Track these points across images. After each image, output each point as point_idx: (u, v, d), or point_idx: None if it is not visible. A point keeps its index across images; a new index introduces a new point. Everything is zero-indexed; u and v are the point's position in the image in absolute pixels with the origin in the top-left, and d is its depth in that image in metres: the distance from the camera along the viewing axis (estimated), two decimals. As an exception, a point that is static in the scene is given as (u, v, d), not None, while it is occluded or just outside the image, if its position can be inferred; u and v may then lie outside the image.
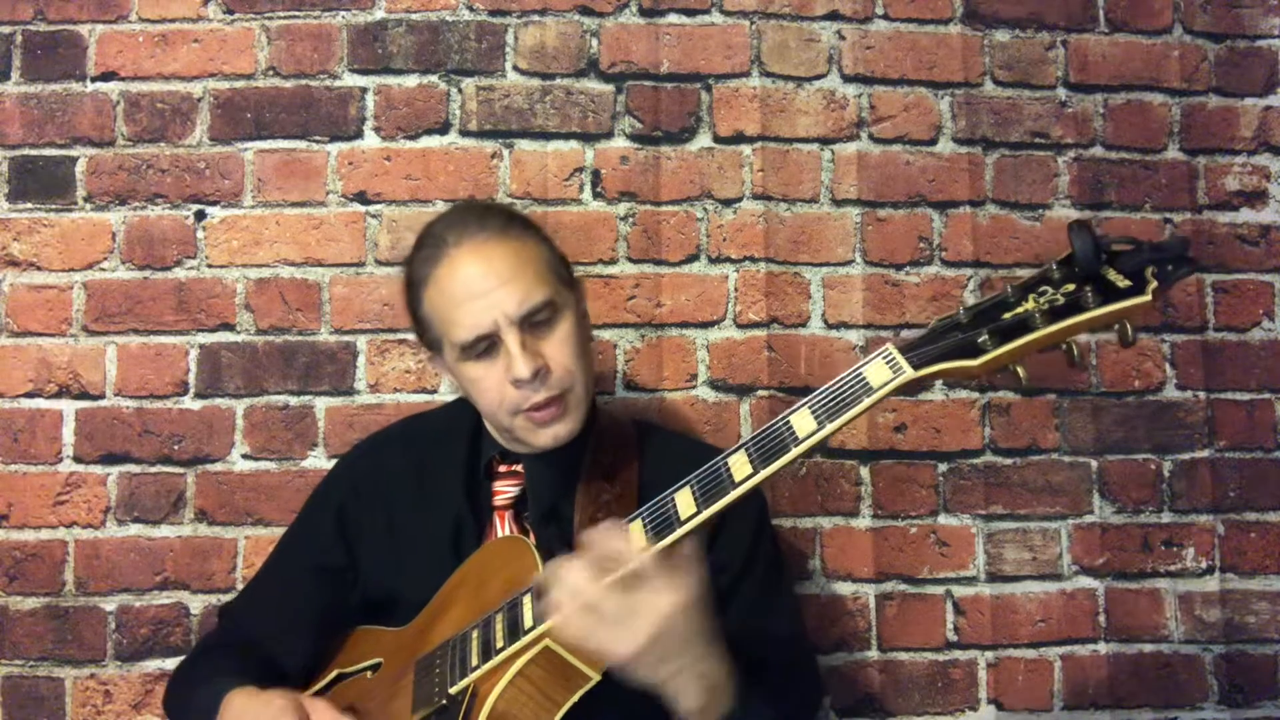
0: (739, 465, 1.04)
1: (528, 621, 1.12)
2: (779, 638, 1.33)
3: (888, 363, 0.99)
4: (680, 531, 1.04)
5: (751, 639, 1.27)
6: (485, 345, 1.25)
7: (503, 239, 1.27)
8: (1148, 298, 0.89)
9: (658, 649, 1.02)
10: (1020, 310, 0.94)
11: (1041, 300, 0.94)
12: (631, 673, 1.05)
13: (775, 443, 1.02)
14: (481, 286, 1.24)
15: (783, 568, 1.43)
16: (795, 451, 1.00)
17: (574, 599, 1.02)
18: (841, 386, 1.01)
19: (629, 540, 1.04)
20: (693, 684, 1.07)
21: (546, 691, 1.12)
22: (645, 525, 1.08)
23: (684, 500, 1.06)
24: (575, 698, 1.12)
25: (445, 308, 1.27)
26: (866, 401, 0.99)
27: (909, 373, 0.97)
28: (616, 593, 1.01)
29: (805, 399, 1.03)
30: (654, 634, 1.01)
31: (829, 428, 1.00)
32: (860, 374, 1.00)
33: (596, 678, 1.12)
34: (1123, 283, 0.91)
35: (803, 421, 1.02)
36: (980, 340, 0.95)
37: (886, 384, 0.98)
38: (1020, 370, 0.96)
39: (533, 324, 1.25)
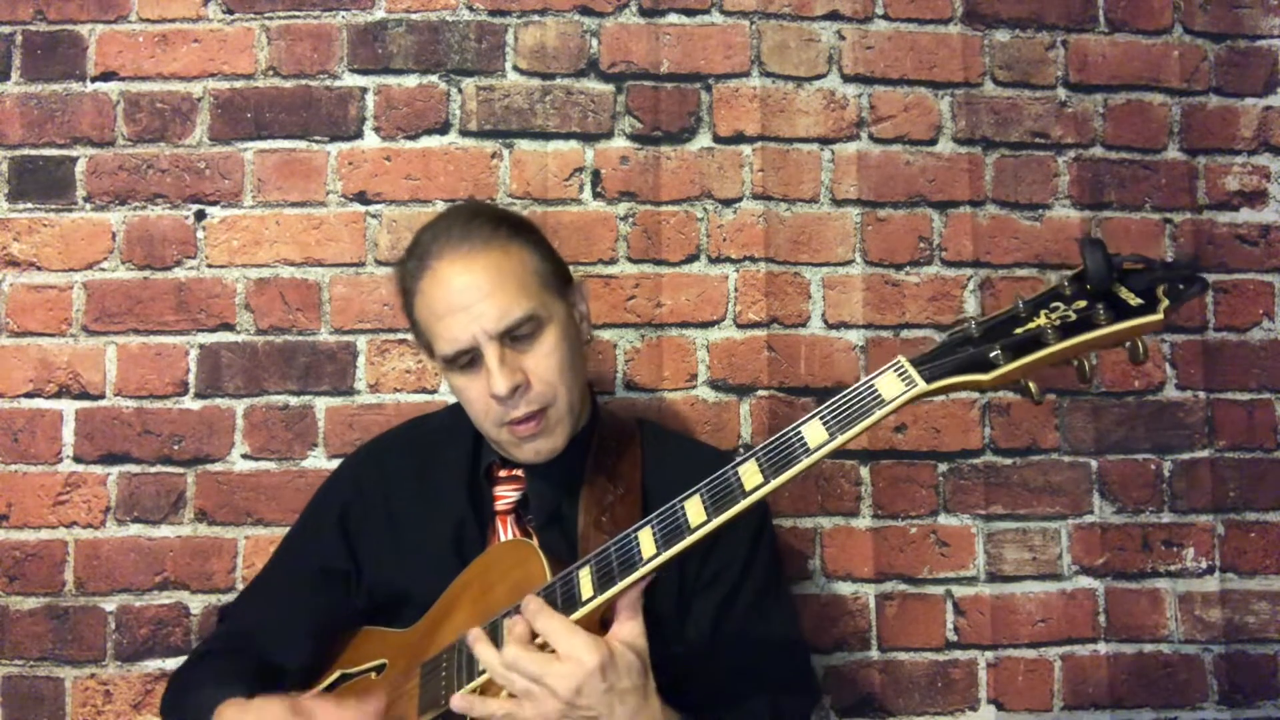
0: (750, 474, 1.04)
1: None
2: (775, 643, 1.33)
3: (899, 375, 0.99)
4: (689, 540, 1.05)
5: (747, 643, 1.27)
6: (467, 358, 1.24)
7: (485, 250, 1.25)
8: (1159, 316, 0.90)
9: (576, 713, 1.04)
10: (1032, 325, 0.95)
11: (1053, 316, 0.94)
12: None
13: (786, 453, 1.02)
14: (461, 301, 1.22)
15: (781, 573, 1.43)
16: (806, 462, 1.01)
17: (496, 655, 1.06)
18: (853, 397, 1.01)
19: (544, 612, 1.07)
20: None
21: None
22: (655, 533, 1.07)
23: (694, 508, 1.06)
24: None
25: (428, 320, 1.27)
26: (878, 414, 0.99)
27: (921, 386, 0.98)
28: (530, 665, 1.04)
29: (817, 409, 1.03)
30: (566, 702, 1.03)
31: (840, 439, 1.00)
32: (872, 385, 1.01)
33: None
34: (1134, 301, 0.92)
35: (814, 432, 1.02)
36: (992, 355, 0.95)
37: (898, 397, 0.99)
38: (1032, 385, 0.96)
39: (514, 338, 1.24)
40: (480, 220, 1.29)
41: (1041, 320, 0.95)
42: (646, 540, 1.08)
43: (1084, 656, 1.78)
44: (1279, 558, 1.82)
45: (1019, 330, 0.96)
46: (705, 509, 1.05)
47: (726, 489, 1.04)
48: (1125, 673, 1.78)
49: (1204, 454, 1.83)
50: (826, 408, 1.02)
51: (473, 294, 1.22)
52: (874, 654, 1.76)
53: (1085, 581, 1.79)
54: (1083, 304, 0.94)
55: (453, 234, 1.27)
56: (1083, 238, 0.97)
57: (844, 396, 1.02)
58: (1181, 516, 1.82)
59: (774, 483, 1.02)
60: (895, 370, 1.00)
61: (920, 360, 0.99)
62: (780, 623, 1.36)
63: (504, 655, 1.06)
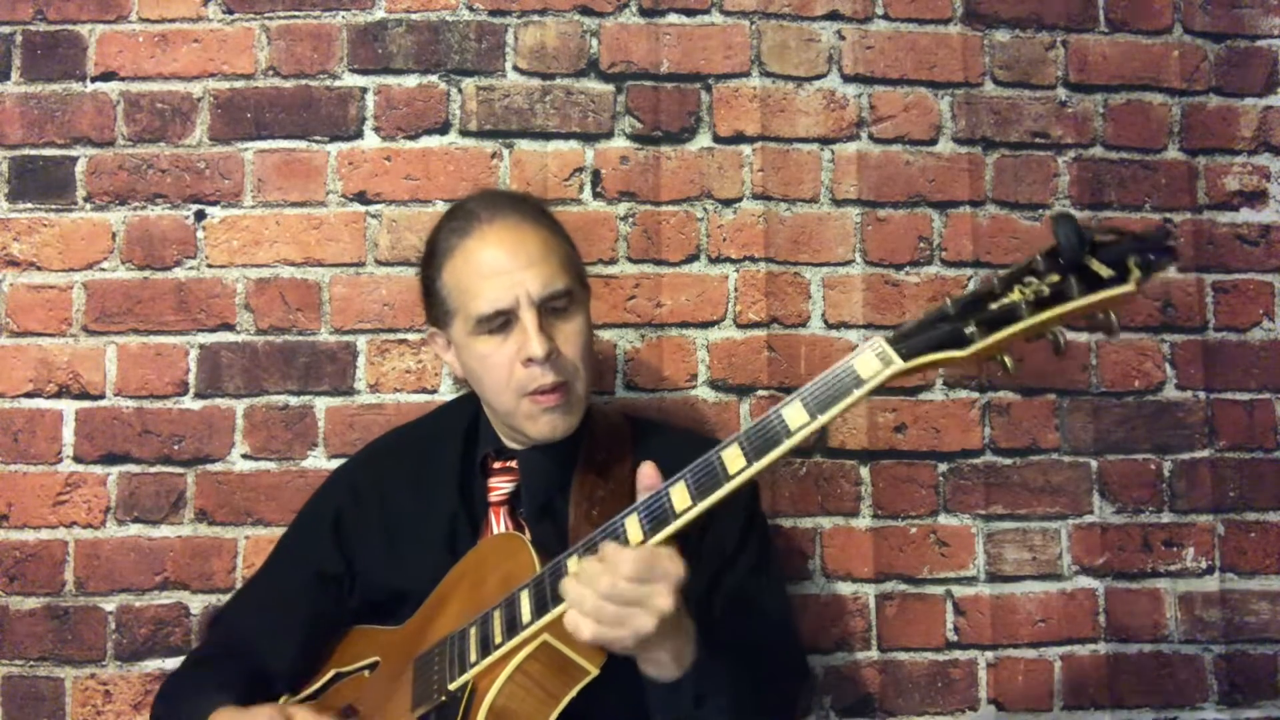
0: (733, 458, 1.05)
1: (526, 617, 1.13)
2: (766, 621, 1.35)
3: (877, 355, 1.01)
4: (675, 525, 1.06)
5: (739, 622, 1.29)
6: (501, 321, 1.28)
7: (535, 224, 1.32)
8: (1130, 287, 0.92)
9: (666, 624, 1.06)
10: (1006, 301, 0.96)
11: (1027, 291, 0.96)
12: (627, 651, 1.08)
13: (768, 435, 1.04)
14: (509, 264, 1.27)
15: (773, 554, 1.45)
16: (787, 444, 1.03)
17: (591, 592, 1.05)
18: (832, 379, 1.03)
19: (619, 551, 1.07)
20: (667, 643, 1.11)
21: (545, 686, 1.13)
22: (641, 519, 1.09)
23: (679, 494, 1.08)
24: (574, 692, 1.13)
25: (469, 278, 1.29)
26: (857, 393, 1.01)
27: (898, 364, 0.99)
28: (632, 590, 1.04)
29: (797, 391, 1.05)
30: (668, 615, 1.04)
31: (820, 420, 1.02)
32: (850, 366, 1.02)
33: (595, 672, 1.12)
34: (1106, 273, 0.93)
35: (795, 414, 1.03)
36: (968, 330, 0.97)
37: (876, 375, 1.00)
38: (1007, 360, 0.98)
39: (550, 309, 1.29)
40: (527, 200, 1.40)
41: (1015, 296, 0.96)
42: (633, 527, 1.09)
43: (1084, 656, 1.78)
44: (1279, 558, 1.82)
45: (993, 306, 0.97)
46: (690, 494, 1.07)
47: (710, 473, 1.06)
48: (1125, 673, 1.78)
49: (1204, 454, 1.83)
50: (806, 389, 1.04)
51: (521, 259, 1.28)
52: (874, 654, 1.76)
53: (1085, 581, 1.79)
54: (1056, 278, 0.95)
55: (502, 205, 1.34)
56: (1054, 213, 0.99)
57: (823, 378, 1.03)
58: (1181, 516, 1.82)
59: (757, 465, 1.04)
60: (873, 350, 1.01)
61: (897, 339, 1.01)
62: (772, 602, 1.38)
63: (600, 587, 1.04)
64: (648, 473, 1.12)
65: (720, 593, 1.33)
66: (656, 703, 1.16)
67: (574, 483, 1.34)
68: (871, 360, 1.01)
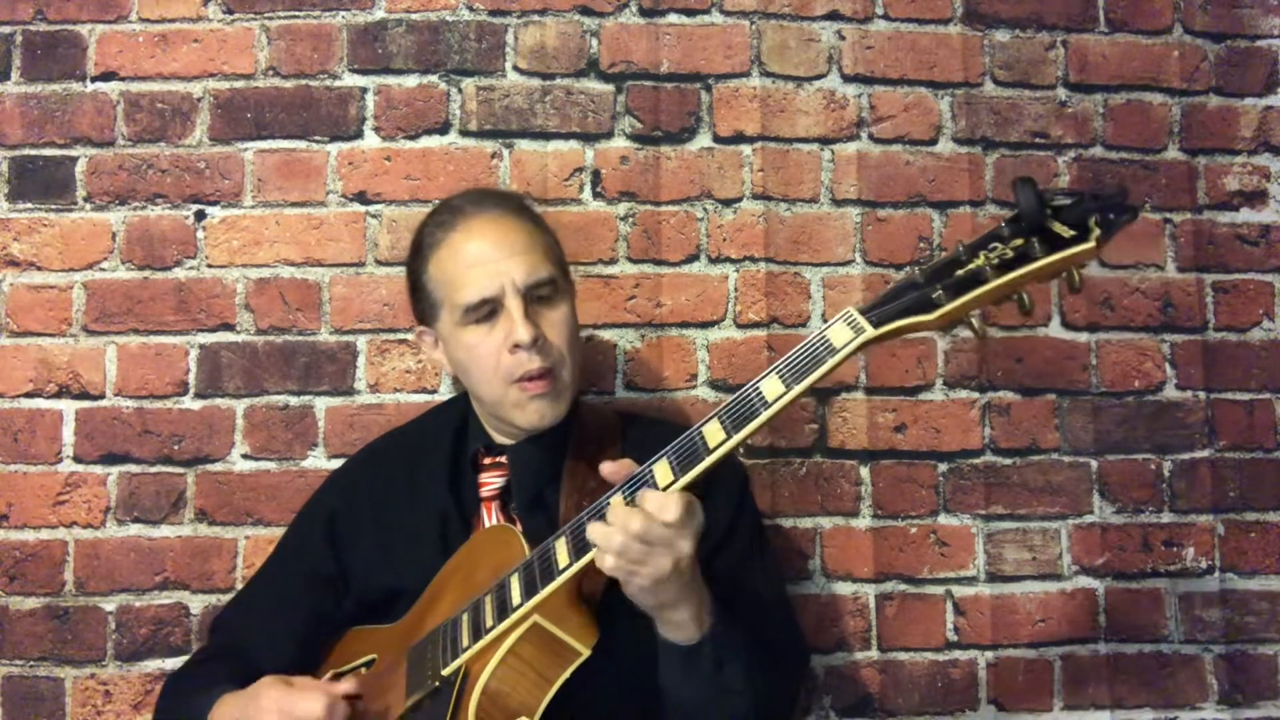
0: (713, 433, 1.09)
1: (516, 599, 1.15)
2: (760, 604, 1.36)
3: (849, 324, 1.04)
4: None
5: (735, 602, 1.30)
6: (487, 310, 1.31)
7: (518, 217, 1.37)
8: (1091, 245, 0.95)
9: (673, 576, 1.08)
10: (972, 266, 1.00)
11: (992, 256, 0.99)
12: (643, 596, 1.10)
13: (746, 408, 1.07)
14: (493, 253, 1.31)
15: (765, 537, 1.46)
16: (765, 415, 1.06)
17: (624, 527, 1.07)
18: (807, 350, 1.06)
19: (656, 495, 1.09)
20: (687, 598, 1.13)
21: (538, 668, 1.14)
22: (626, 499, 1.11)
23: (662, 471, 1.10)
24: (567, 674, 1.14)
25: (454, 269, 1.33)
26: (830, 362, 1.03)
27: (869, 331, 1.02)
28: (660, 532, 1.06)
29: (773, 365, 1.08)
30: (685, 555, 1.07)
31: (796, 390, 1.04)
32: (824, 336, 1.05)
33: (586, 653, 1.14)
34: (1067, 233, 0.97)
35: (771, 386, 1.07)
36: (935, 296, 1.00)
37: (849, 344, 1.03)
38: (975, 322, 1.02)
39: (536, 297, 1.32)
40: (510, 195, 1.47)
41: (980, 261, 0.99)
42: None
43: (1084, 656, 1.78)
44: (1279, 558, 1.82)
45: (960, 272, 1.00)
46: (672, 469, 1.09)
47: (692, 449, 1.09)
48: (1125, 673, 1.78)
49: (1204, 454, 1.83)
50: (782, 362, 1.07)
51: (505, 249, 1.32)
52: (874, 654, 1.76)
53: (1085, 581, 1.79)
54: (1019, 242, 0.98)
55: (486, 199, 1.40)
56: (1016, 178, 1.03)
57: (798, 350, 1.06)
58: (1181, 516, 1.82)
59: (736, 438, 1.07)
60: (845, 320, 1.04)
61: (868, 308, 1.04)
62: (766, 587, 1.39)
63: (630, 526, 1.06)
64: (609, 471, 1.14)
65: (713, 579, 1.33)
66: (676, 667, 1.17)
67: (564, 475, 1.36)
68: (843, 330, 1.04)
